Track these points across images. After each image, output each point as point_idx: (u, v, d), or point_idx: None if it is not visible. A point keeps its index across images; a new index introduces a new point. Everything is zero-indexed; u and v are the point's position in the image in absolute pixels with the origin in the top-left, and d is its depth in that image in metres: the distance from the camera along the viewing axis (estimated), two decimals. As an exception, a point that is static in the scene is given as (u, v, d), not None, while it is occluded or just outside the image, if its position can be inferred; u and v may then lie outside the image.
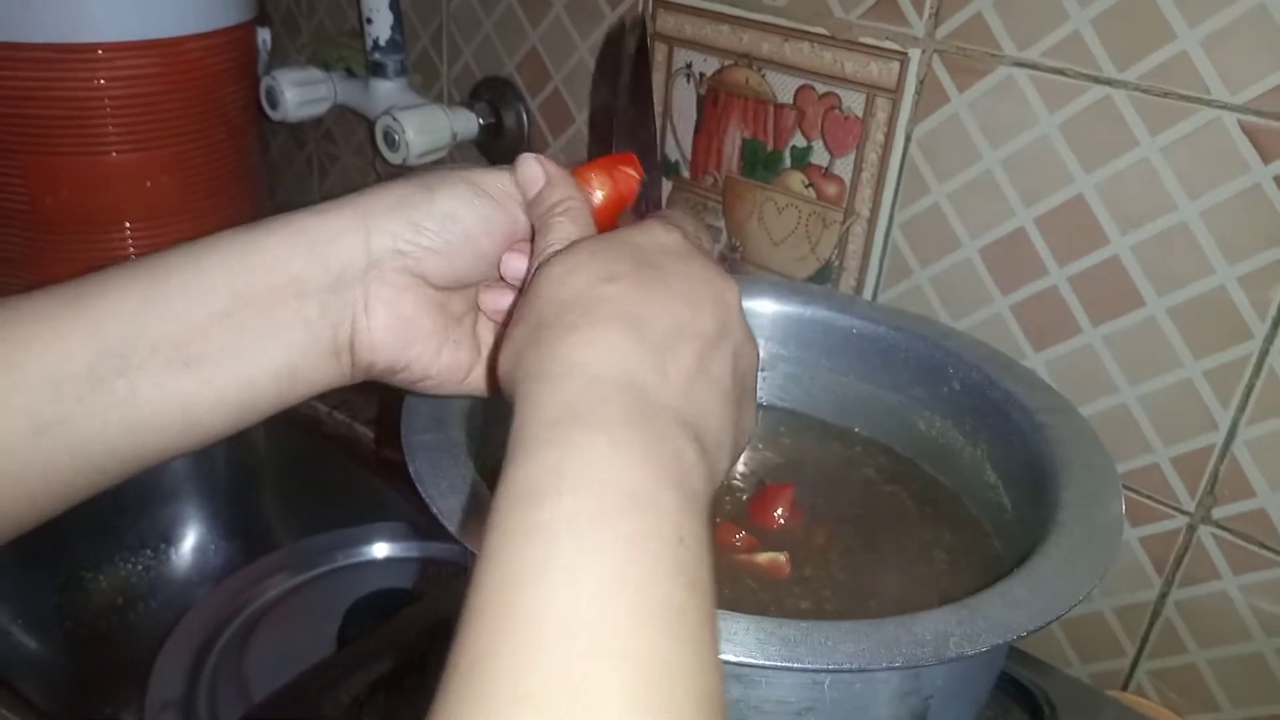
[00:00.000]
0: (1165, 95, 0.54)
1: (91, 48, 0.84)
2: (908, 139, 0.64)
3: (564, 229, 0.39)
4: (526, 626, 0.25)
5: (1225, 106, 0.52)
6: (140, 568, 0.97)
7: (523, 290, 0.38)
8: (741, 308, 0.37)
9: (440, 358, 0.41)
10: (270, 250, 0.38)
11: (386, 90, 0.91)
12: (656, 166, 0.45)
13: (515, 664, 0.24)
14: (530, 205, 0.41)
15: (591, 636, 0.25)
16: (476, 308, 0.43)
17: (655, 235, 0.37)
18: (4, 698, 0.67)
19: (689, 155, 0.76)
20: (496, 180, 0.41)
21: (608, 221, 0.43)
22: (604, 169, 0.44)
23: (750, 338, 0.38)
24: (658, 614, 0.26)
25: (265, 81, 0.94)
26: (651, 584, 0.27)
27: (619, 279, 0.34)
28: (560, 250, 0.37)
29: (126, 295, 0.37)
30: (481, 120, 0.87)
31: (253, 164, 1.03)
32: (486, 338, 0.44)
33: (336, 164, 1.10)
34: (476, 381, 0.43)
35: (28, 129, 0.86)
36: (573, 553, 0.27)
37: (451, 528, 0.39)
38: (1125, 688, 0.65)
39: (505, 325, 0.42)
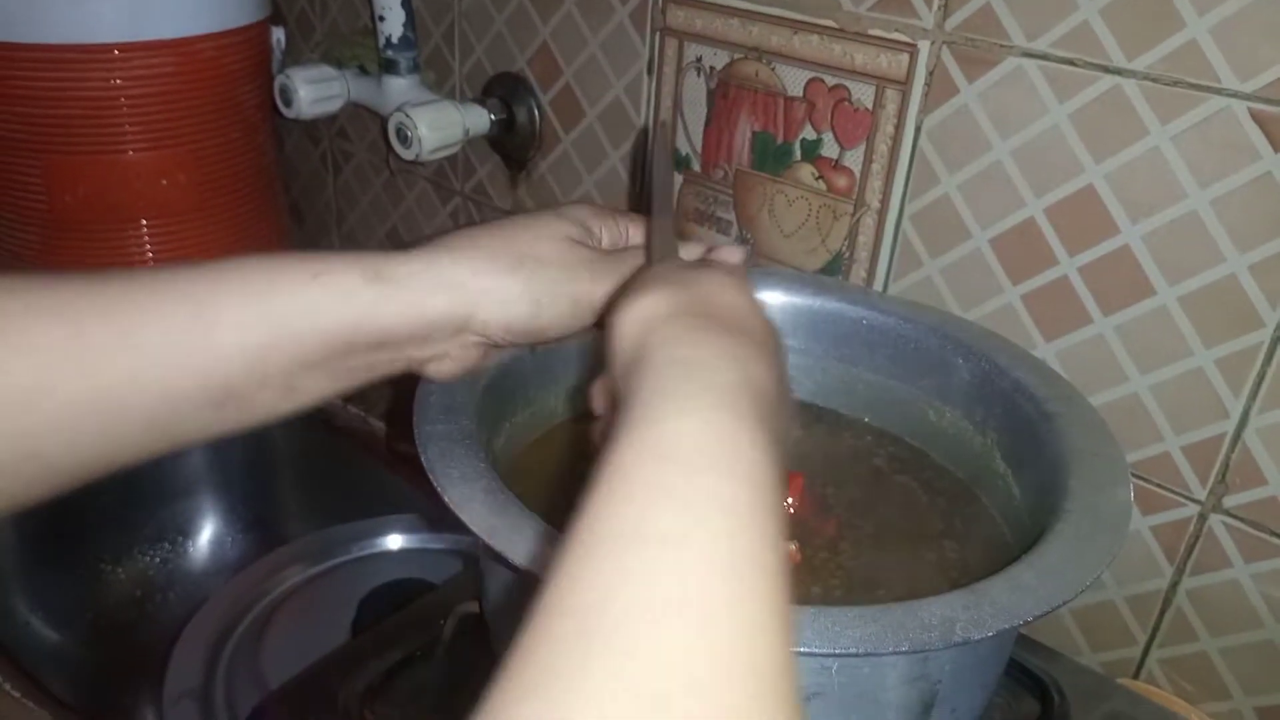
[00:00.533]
0: (1175, 84, 0.54)
1: (107, 48, 0.85)
2: (917, 130, 0.64)
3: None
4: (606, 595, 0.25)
5: (1235, 95, 0.52)
6: (158, 560, 0.98)
7: None
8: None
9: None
10: (394, 317, 0.41)
11: (399, 87, 0.92)
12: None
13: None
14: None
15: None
16: None
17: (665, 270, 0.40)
18: (26, 688, 0.68)
19: (699, 149, 0.76)
20: (601, 292, 0.44)
21: None
22: None
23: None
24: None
25: (279, 80, 0.94)
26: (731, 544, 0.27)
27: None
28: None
29: (246, 329, 0.39)
30: (493, 116, 0.88)
31: (268, 162, 1.04)
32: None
33: (351, 161, 1.11)
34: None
35: (45, 128, 0.87)
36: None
37: (464, 516, 0.39)
38: (1136, 676, 0.65)
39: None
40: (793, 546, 0.49)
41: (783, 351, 0.38)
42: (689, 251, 0.48)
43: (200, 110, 0.93)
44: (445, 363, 0.43)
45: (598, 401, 0.43)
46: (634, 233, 0.49)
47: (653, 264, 0.44)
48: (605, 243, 0.48)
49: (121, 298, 0.37)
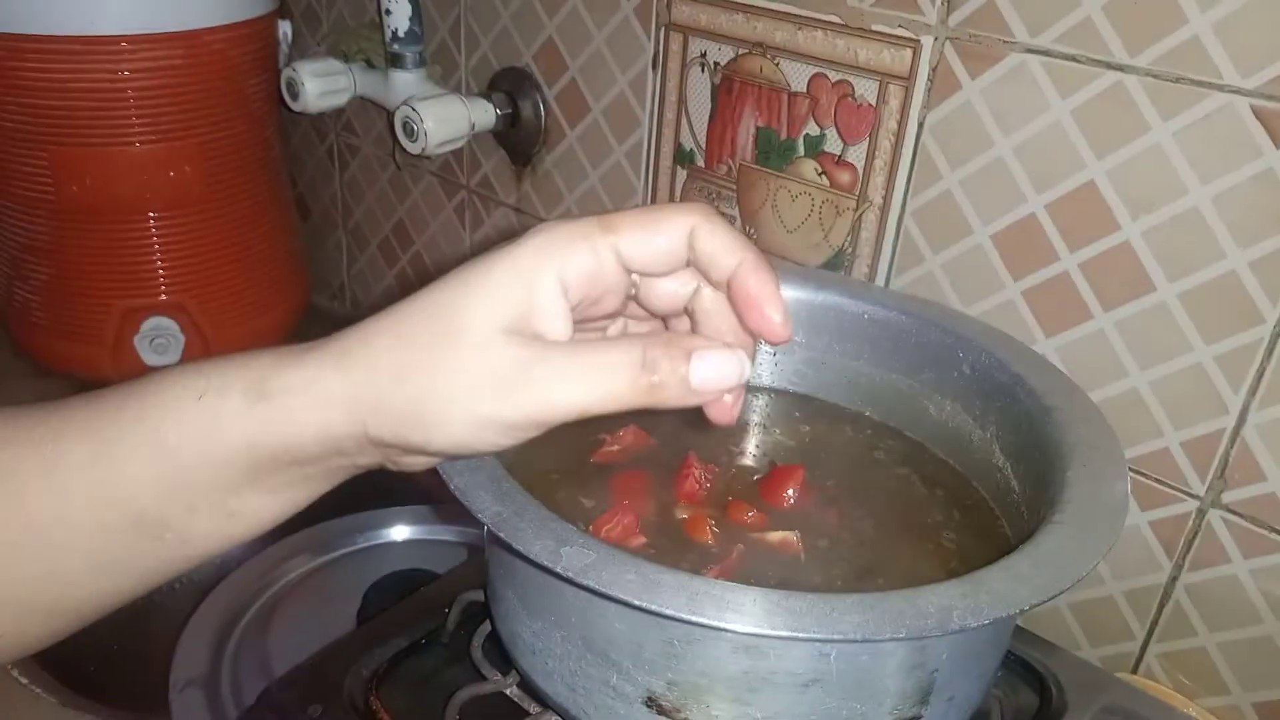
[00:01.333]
0: (1177, 80, 0.54)
1: (115, 40, 0.86)
2: (920, 126, 0.64)
3: None
4: None
5: (1237, 91, 0.52)
6: (163, 551, 0.98)
7: None
8: None
9: None
10: (276, 440, 0.36)
11: (405, 81, 0.92)
12: None
13: None
14: None
15: None
16: None
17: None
18: (33, 675, 0.68)
19: (704, 144, 0.76)
20: (504, 411, 0.34)
21: None
22: None
23: None
24: None
25: (285, 73, 0.95)
26: None
27: None
28: None
29: (151, 462, 0.37)
30: (499, 110, 0.88)
31: (274, 154, 1.04)
32: None
33: (357, 155, 1.12)
34: None
35: (54, 120, 0.88)
36: None
37: (469, 504, 0.39)
38: (1135, 671, 0.66)
39: None
40: (794, 535, 0.49)
41: None
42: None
43: (207, 103, 0.93)
44: (405, 464, 0.39)
45: None
46: (634, 243, 0.35)
47: None
48: (574, 290, 0.35)
49: (40, 433, 0.37)
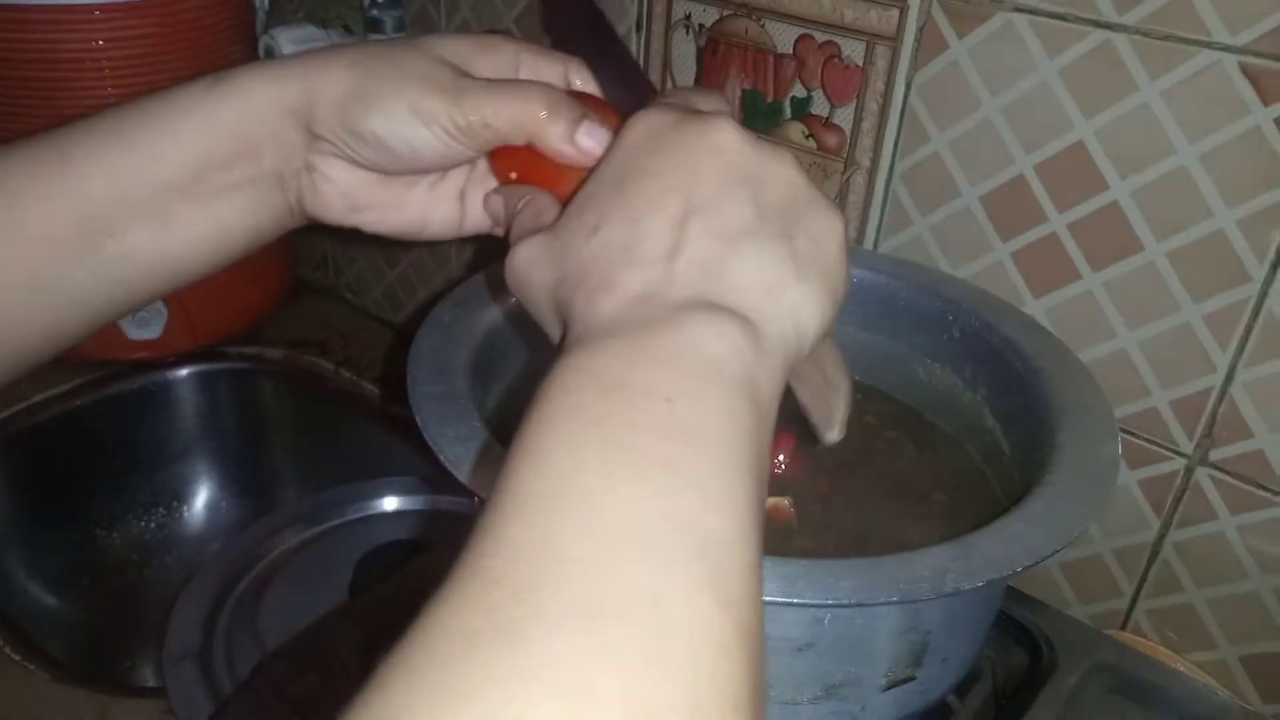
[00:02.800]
0: (1165, 38, 0.54)
1: (89, 8, 0.84)
2: (908, 87, 0.64)
3: (526, 222, 0.38)
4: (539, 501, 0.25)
5: (1226, 48, 0.52)
6: (153, 525, 0.98)
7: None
8: (747, 140, 0.33)
9: (389, 221, 0.43)
10: (236, 121, 0.40)
11: (385, 47, 0.91)
12: (644, 90, 0.42)
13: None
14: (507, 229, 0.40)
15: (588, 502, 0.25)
16: (432, 175, 0.43)
17: (625, 138, 0.35)
18: (25, 651, 0.68)
19: (689, 107, 0.75)
20: (446, 106, 0.39)
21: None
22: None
23: (773, 157, 0.34)
24: (640, 464, 0.26)
25: (263, 41, 0.93)
26: (628, 440, 0.26)
27: (600, 226, 0.33)
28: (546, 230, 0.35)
29: (105, 156, 0.39)
30: (481, 76, 0.87)
31: (253, 123, 1.02)
32: (446, 195, 0.44)
33: (337, 123, 1.10)
34: (437, 234, 0.45)
35: (28, 91, 0.86)
36: (575, 431, 0.27)
37: (461, 476, 0.39)
38: (1124, 627, 0.66)
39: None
40: (786, 502, 0.50)
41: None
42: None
43: (184, 72, 0.90)
44: (325, 187, 0.41)
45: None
46: (533, 68, 0.42)
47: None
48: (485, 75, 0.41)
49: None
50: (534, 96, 0.39)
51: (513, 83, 0.40)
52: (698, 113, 0.34)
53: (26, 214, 0.39)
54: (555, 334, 0.34)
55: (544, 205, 0.38)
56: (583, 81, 0.43)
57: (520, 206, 0.39)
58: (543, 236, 0.35)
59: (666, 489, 0.25)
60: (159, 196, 0.40)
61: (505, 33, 0.86)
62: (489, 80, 0.40)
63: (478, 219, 0.44)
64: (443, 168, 0.42)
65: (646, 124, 0.34)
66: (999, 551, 0.38)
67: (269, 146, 0.40)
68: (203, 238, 0.41)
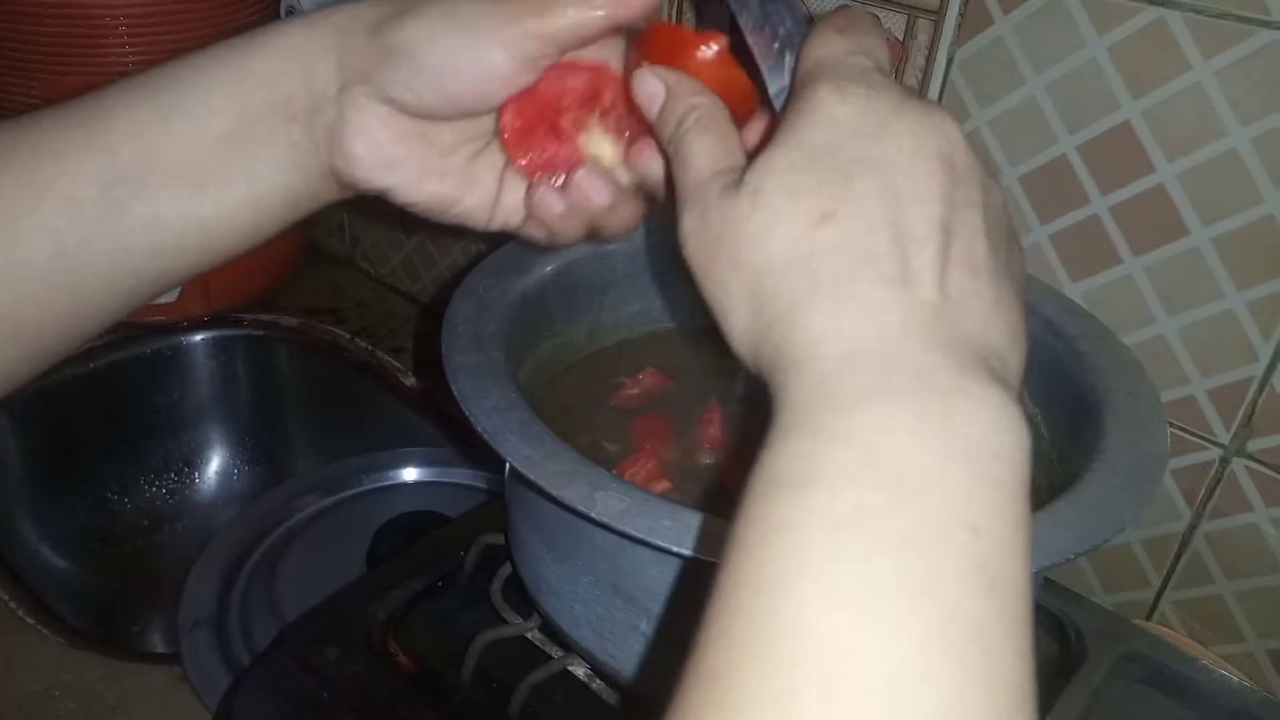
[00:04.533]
0: (1221, 16, 0.52)
1: (109, -36, 0.82)
2: (949, 62, 0.62)
3: (706, 149, 0.32)
4: (767, 647, 0.21)
5: (1283, 29, 0.51)
6: (165, 491, 0.98)
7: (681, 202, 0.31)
8: (968, 144, 0.29)
9: (422, 187, 0.40)
10: (267, 69, 0.38)
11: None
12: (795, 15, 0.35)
13: (746, 695, 0.21)
14: (657, 127, 0.35)
15: (846, 665, 0.21)
16: (473, 142, 0.40)
17: (831, 108, 0.29)
18: (39, 614, 0.68)
19: (720, 79, 0.74)
20: (487, 13, 0.36)
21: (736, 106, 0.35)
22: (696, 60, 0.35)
23: (988, 171, 0.30)
24: (936, 631, 0.21)
25: (285, 2, 0.92)
26: (928, 594, 0.21)
27: (831, 217, 0.27)
28: (737, 188, 0.29)
29: (135, 116, 0.37)
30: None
31: (272, 87, 1.01)
32: (484, 174, 0.41)
33: (356, 88, 1.09)
34: (467, 214, 0.41)
35: (42, 49, 0.85)
36: (827, 560, 0.22)
37: (498, 446, 0.38)
38: (1149, 618, 0.66)
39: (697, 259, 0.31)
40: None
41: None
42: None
43: (203, 31, 0.90)
44: (359, 140, 0.38)
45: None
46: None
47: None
48: None
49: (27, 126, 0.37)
50: None
51: None
52: (912, 94, 0.30)
53: (51, 173, 0.36)
54: (739, 324, 0.29)
55: (724, 124, 0.32)
56: None
57: (688, 116, 0.33)
58: (746, 202, 0.28)
59: (978, 675, 0.21)
60: (190, 155, 0.37)
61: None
62: None
63: (510, 211, 0.41)
64: (487, 103, 0.38)
65: (860, 98, 0.29)
66: (1050, 539, 0.37)
67: (301, 94, 0.38)
68: (236, 202, 0.38)
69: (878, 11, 0.64)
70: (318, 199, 0.40)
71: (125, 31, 0.86)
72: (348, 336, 0.99)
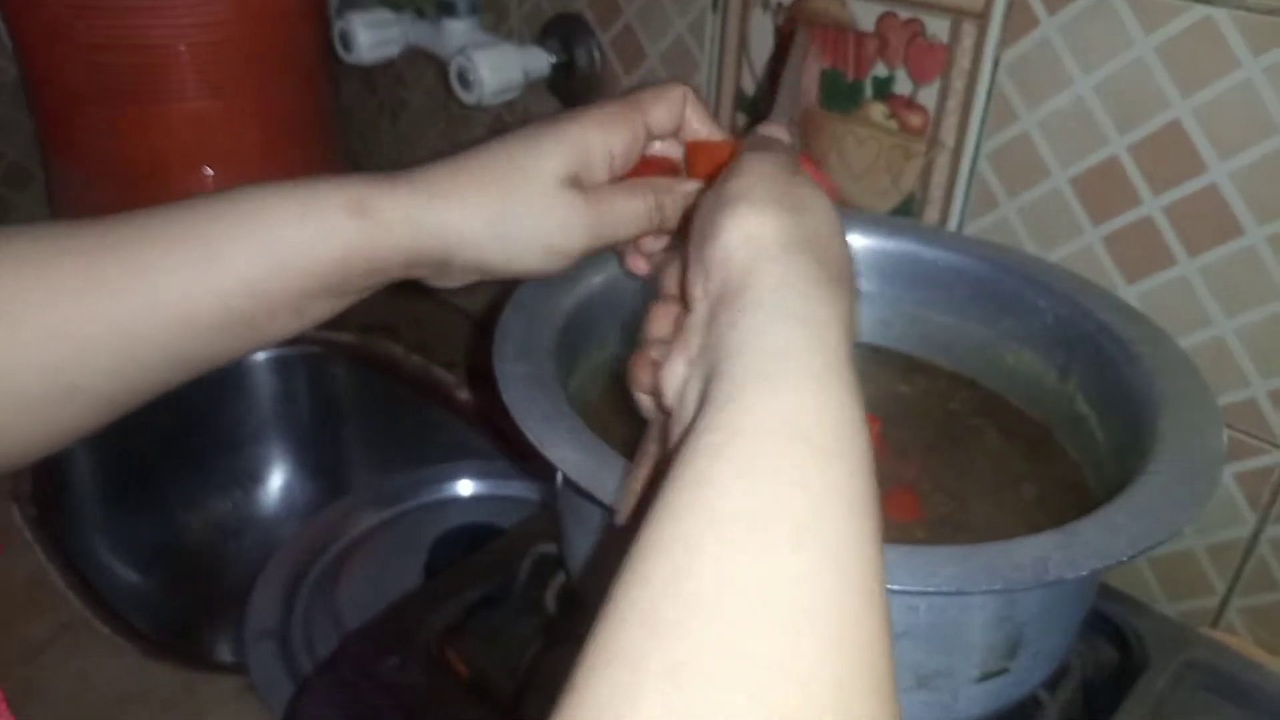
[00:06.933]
0: (1270, 13, 0.51)
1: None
2: (995, 65, 0.62)
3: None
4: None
5: (1337, 22, 0.50)
6: (229, 506, 1.00)
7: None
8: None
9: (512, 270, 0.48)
10: (373, 249, 0.43)
11: (457, 30, 0.91)
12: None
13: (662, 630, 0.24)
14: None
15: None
16: None
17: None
18: (114, 625, 0.70)
19: (766, 89, 0.74)
20: (578, 246, 0.46)
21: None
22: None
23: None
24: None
25: (338, 25, 0.94)
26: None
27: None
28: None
29: (248, 254, 0.41)
30: (553, 58, 0.87)
31: (327, 107, 1.04)
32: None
33: (407, 108, 1.11)
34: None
35: (107, 77, 0.88)
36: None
37: (550, 455, 0.39)
38: (1214, 626, 0.64)
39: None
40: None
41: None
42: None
43: (261, 56, 0.93)
44: (447, 280, 0.47)
45: (659, 324, 0.41)
46: (659, 117, 0.48)
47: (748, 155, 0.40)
48: (618, 158, 0.47)
49: (134, 238, 0.40)
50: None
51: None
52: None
53: (166, 301, 0.40)
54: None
55: None
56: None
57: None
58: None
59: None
60: (296, 300, 0.43)
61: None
62: (604, 198, 0.46)
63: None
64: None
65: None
66: (1102, 541, 0.37)
67: (408, 270, 0.46)
68: (323, 317, 0.45)
69: (921, 16, 0.64)
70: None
71: (188, 59, 0.89)
72: (403, 352, 1.01)
